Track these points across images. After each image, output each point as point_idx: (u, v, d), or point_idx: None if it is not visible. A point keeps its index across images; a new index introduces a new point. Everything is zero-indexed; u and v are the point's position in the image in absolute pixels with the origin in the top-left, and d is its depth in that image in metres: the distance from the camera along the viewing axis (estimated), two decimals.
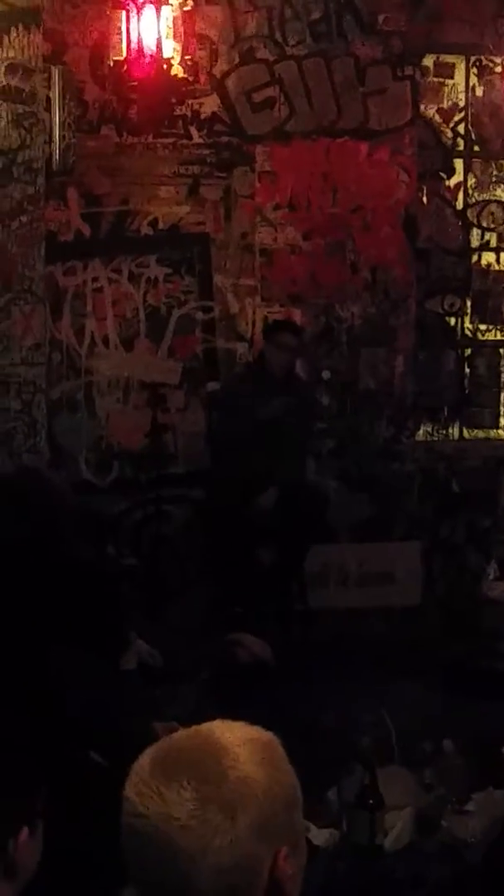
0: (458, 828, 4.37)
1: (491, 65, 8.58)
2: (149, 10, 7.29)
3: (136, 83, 7.56)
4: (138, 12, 7.32)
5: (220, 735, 1.96)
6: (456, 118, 8.72)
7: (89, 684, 4.51)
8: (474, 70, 8.67)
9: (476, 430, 8.94)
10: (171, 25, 7.39)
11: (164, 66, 7.42)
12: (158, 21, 7.33)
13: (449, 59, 8.65)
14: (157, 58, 7.38)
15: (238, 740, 1.96)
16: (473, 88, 8.69)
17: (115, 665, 5.36)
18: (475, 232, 8.84)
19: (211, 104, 8.10)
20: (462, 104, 8.71)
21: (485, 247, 8.89)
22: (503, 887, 2.83)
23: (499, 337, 9.00)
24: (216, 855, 1.87)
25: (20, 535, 5.53)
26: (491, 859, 3.25)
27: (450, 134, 8.72)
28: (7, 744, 3.21)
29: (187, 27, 7.55)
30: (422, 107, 8.55)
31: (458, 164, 8.76)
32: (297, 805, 2.00)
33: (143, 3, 7.29)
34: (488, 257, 8.91)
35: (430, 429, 8.83)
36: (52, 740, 3.72)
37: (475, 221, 8.82)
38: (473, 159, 8.80)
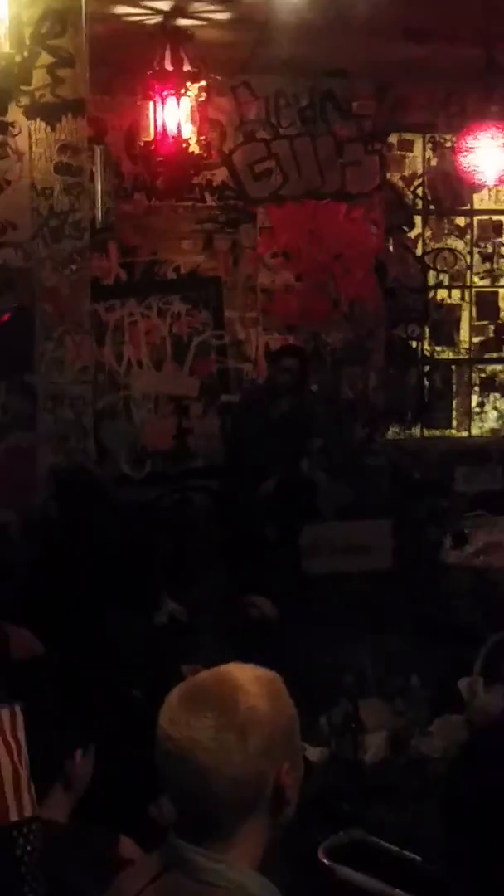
0: (423, 746, 4.38)
1: (443, 141, 8.58)
2: (171, 101, 7.29)
3: (161, 159, 7.55)
4: (163, 103, 7.31)
5: (234, 675, 1.96)
6: (415, 183, 8.72)
7: (133, 638, 4.52)
8: (429, 145, 8.67)
9: (434, 431, 8.94)
10: (189, 113, 7.39)
11: (184, 145, 7.41)
12: (179, 110, 7.34)
13: (409, 136, 8.65)
14: (178, 138, 7.38)
15: (248, 679, 1.96)
16: (429, 160, 8.69)
17: (151, 620, 5.36)
18: (431, 273, 8.84)
19: (221, 174, 8.11)
20: (420, 172, 8.71)
21: (439, 285, 8.89)
22: (463, 794, 2.83)
23: (451, 356, 9.00)
24: (231, 770, 1.87)
25: (76, 517, 5.55)
26: (454, 770, 3.24)
27: (411, 196, 8.72)
28: (68, 685, 3.22)
29: (202, 114, 7.54)
30: (388, 175, 8.55)
31: (418, 219, 8.77)
32: (296, 729, 2.00)
33: (167, 96, 7.28)
34: (442, 293, 8.92)
35: (397, 430, 8.83)
36: (105, 681, 3.73)
37: (432, 265, 8.82)
38: (429, 216, 8.79)
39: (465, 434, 9.01)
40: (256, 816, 1.92)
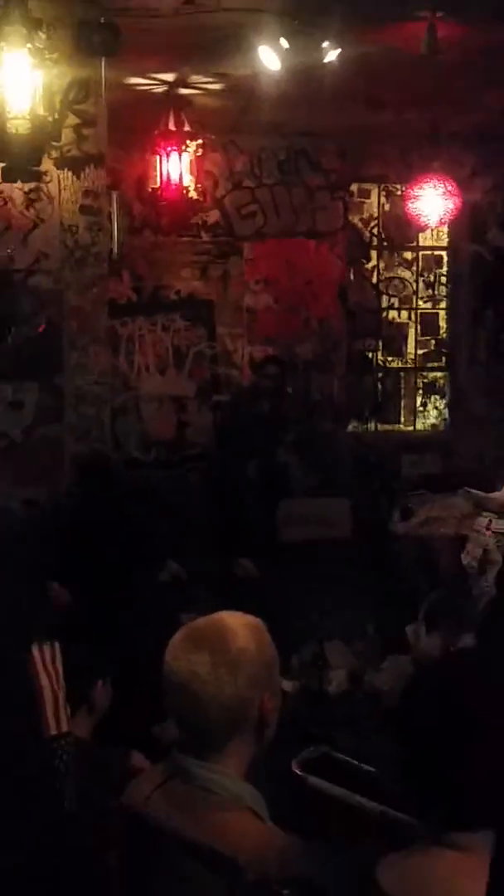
0: (376, 680, 4.39)
1: (394, 190, 8.57)
2: (174, 156, 7.29)
3: (165, 202, 7.55)
4: (167, 157, 7.31)
5: (226, 621, 1.98)
6: (372, 224, 8.71)
7: (141, 593, 4.52)
8: (383, 193, 8.66)
9: (385, 425, 8.95)
10: (188, 165, 7.38)
11: (184, 191, 7.41)
12: (180, 162, 7.33)
13: (367, 186, 8.64)
14: (180, 186, 7.38)
15: (238, 624, 1.97)
16: (383, 205, 8.69)
17: (156, 579, 5.36)
18: (384, 298, 8.85)
19: (214, 216, 8.08)
20: (376, 215, 8.70)
21: (391, 307, 8.89)
22: (414, 723, 2.84)
23: (400, 365, 9.01)
24: (224, 699, 1.89)
25: (95, 495, 5.52)
26: (402, 700, 3.25)
27: (368, 234, 8.71)
28: (93, 629, 3.22)
29: (199, 166, 7.54)
30: (350, 217, 8.54)
31: (373, 254, 8.76)
32: (276, 665, 2.01)
33: (171, 151, 7.28)
34: (392, 314, 8.92)
35: (356, 425, 8.83)
36: (120, 627, 3.73)
37: (384, 291, 8.82)
38: (383, 251, 8.79)
39: (410, 428, 9.03)
40: (243, 736, 1.94)
